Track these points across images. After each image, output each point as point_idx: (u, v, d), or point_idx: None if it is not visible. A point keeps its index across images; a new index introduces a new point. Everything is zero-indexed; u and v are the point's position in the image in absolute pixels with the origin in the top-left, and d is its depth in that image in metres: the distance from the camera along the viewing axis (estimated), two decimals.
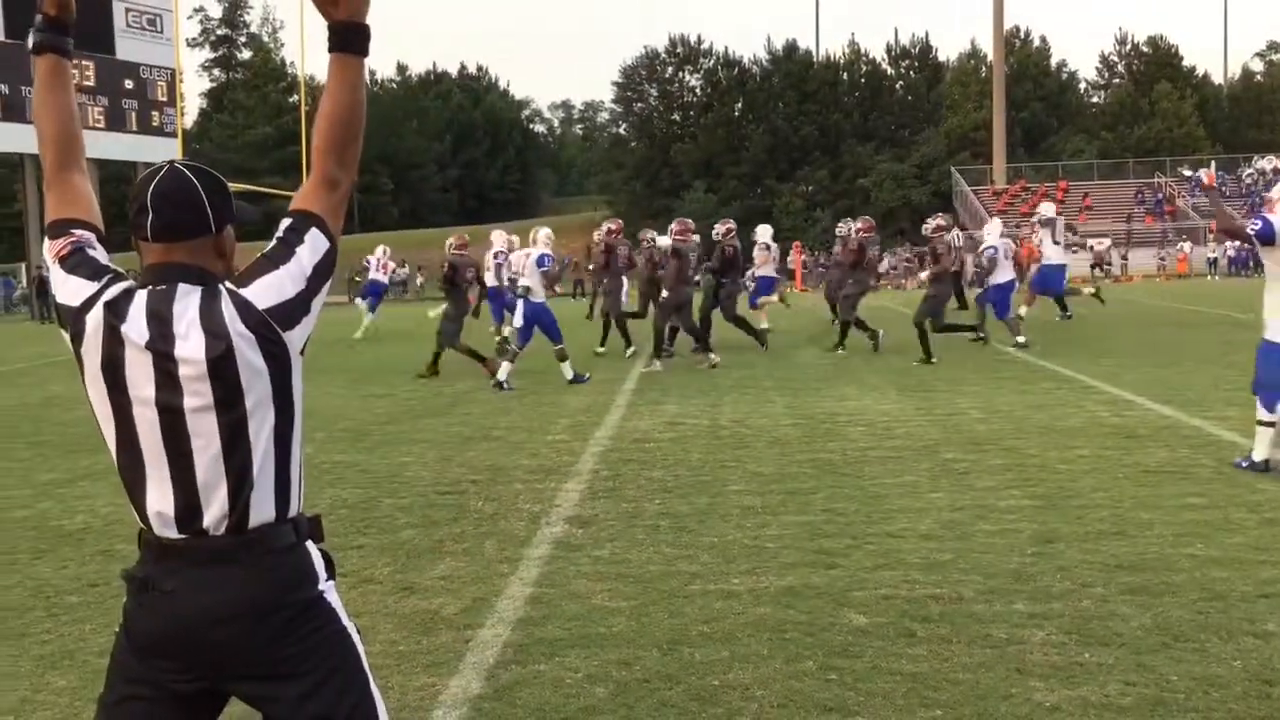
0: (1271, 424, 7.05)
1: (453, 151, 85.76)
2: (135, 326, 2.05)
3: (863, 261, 16.10)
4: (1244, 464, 7.14)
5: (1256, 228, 6.95)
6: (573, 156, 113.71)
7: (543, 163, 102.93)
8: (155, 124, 40.81)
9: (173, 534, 2.09)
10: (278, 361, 2.08)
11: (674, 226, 14.60)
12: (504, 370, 12.38)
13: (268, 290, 2.08)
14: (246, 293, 2.08)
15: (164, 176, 2.13)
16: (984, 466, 7.40)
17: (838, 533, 5.83)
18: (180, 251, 2.12)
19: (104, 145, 39.71)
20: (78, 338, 2.10)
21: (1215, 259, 45.88)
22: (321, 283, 2.17)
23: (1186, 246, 46.81)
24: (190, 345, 2.03)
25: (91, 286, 2.12)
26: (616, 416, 10.08)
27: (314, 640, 2.13)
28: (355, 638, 2.21)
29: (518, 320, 12.68)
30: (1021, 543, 5.54)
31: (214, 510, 2.07)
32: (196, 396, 2.04)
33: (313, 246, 2.18)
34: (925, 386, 11.43)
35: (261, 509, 2.10)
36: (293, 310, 2.10)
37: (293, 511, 2.15)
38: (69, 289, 2.14)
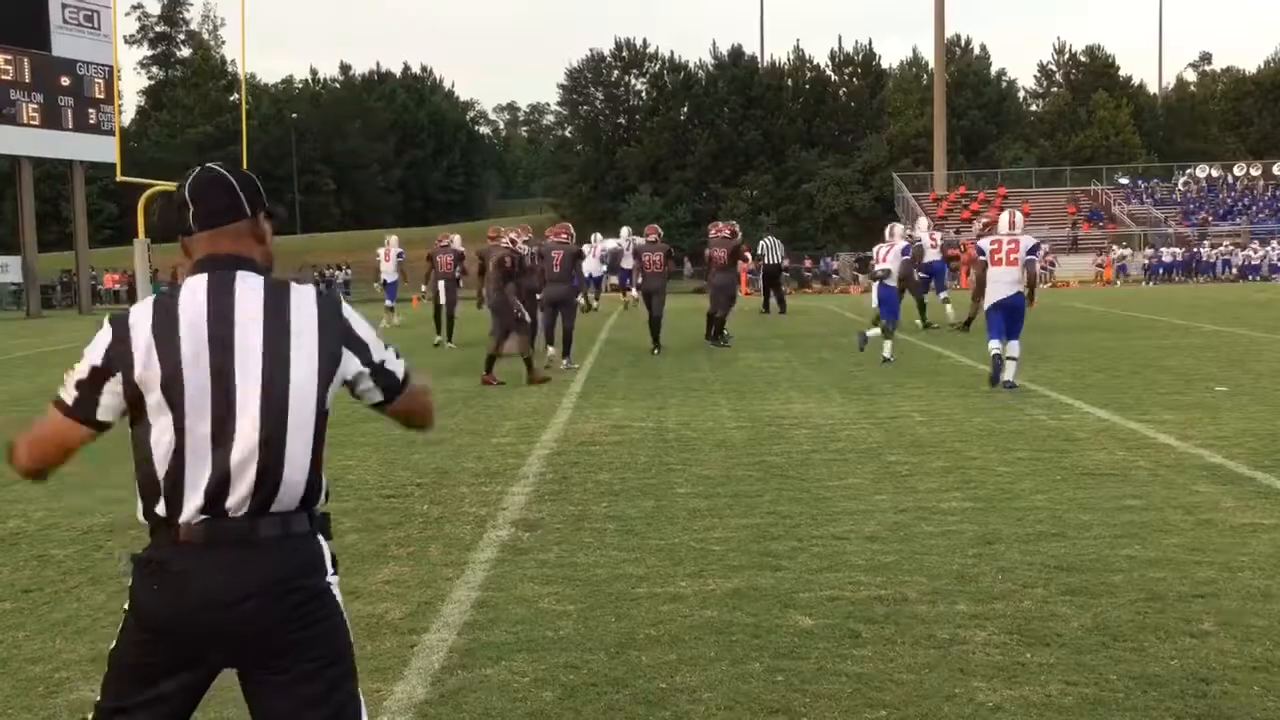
0: None
1: (396, 152, 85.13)
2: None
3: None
4: None
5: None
6: (518, 159, 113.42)
7: (488, 165, 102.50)
8: (92, 122, 40.03)
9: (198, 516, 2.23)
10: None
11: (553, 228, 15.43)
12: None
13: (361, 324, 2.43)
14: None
15: (197, 174, 2.36)
16: (926, 469, 7.48)
17: (783, 535, 5.86)
18: (226, 240, 2.32)
19: (40, 143, 38.92)
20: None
21: (1149, 265, 46.75)
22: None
23: (1127, 253, 47.62)
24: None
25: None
26: (563, 419, 10.05)
27: (319, 629, 2.28)
28: (350, 635, 2.38)
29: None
30: (964, 544, 5.60)
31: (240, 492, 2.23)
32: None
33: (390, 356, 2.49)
34: (868, 390, 11.53)
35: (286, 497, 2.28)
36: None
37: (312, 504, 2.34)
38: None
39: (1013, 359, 11.28)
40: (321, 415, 2.32)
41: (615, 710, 3.73)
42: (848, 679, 3.93)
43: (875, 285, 14.87)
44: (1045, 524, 5.95)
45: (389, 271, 23.63)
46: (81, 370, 2.27)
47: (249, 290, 2.28)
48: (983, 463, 7.64)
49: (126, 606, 2.32)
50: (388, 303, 23.98)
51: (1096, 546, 5.51)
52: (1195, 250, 47.70)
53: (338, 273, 53.56)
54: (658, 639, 4.37)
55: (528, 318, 13.63)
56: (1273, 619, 4.44)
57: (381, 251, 23.88)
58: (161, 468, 2.23)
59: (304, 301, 2.32)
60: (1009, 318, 11.24)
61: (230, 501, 2.21)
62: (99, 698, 2.36)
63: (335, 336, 2.33)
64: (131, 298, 39.34)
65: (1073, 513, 6.19)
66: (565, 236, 14.85)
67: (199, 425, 2.21)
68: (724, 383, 12.52)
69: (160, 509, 2.24)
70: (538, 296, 14.44)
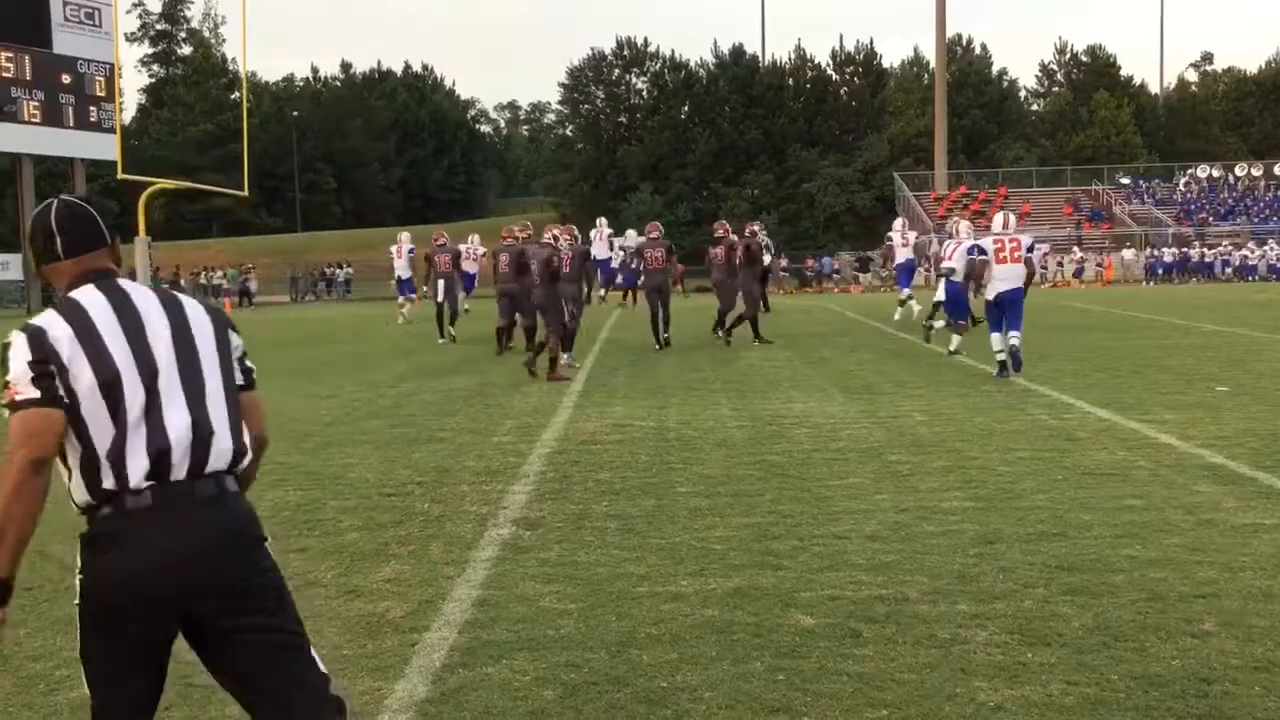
0: None
1: (397, 151, 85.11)
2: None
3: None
4: None
5: None
6: (519, 158, 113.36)
7: (489, 163, 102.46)
8: (93, 119, 40.04)
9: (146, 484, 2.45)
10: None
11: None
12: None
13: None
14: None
15: (59, 207, 2.64)
16: (927, 469, 7.48)
17: (784, 534, 5.86)
18: (94, 262, 2.62)
19: (41, 141, 38.93)
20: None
21: (1149, 265, 46.74)
22: None
23: (1129, 254, 47.59)
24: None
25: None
26: (563, 418, 10.05)
27: (268, 577, 2.59)
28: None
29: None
30: (964, 544, 5.60)
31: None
32: None
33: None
34: (869, 390, 11.53)
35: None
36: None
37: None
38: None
39: (1015, 343, 12.15)
40: (232, 386, 2.62)
41: (616, 709, 3.73)
42: (849, 678, 3.93)
43: (942, 282, 15.93)
44: (1046, 524, 5.95)
45: (402, 268, 24.04)
46: (19, 374, 2.43)
47: (140, 291, 2.60)
48: (984, 462, 7.64)
49: (78, 601, 2.50)
50: (400, 298, 24.42)
51: (1097, 546, 5.51)
52: (1185, 251, 47.68)
53: (339, 271, 53.54)
54: (659, 638, 4.37)
55: (570, 317, 14.04)
56: (1274, 619, 4.44)
57: (394, 249, 24.26)
58: (103, 447, 2.43)
59: (188, 300, 2.68)
60: (1009, 310, 12.12)
61: (171, 468, 2.45)
62: (92, 697, 2.54)
63: (222, 322, 2.68)
64: None
65: (1074, 512, 6.18)
66: (569, 238, 15.24)
67: (133, 403, 2.44)
68: (725, 382, 12.52)
69: (109, 484, 2.43)
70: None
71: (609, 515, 6.36)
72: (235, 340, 2.70)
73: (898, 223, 22.96)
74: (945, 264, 15.21)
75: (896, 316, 20.88)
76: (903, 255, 21.53)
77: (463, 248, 23.54)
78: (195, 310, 2.64)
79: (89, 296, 2.53)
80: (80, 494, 2.47)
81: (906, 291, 21.42)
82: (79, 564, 2.49)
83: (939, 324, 16.45)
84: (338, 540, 5.95)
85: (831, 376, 12.79)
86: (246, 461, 2.62)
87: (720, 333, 17.32)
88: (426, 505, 6.73)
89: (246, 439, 2.62)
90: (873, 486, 6.97)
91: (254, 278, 48.91)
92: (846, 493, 6.81)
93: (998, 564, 5.24)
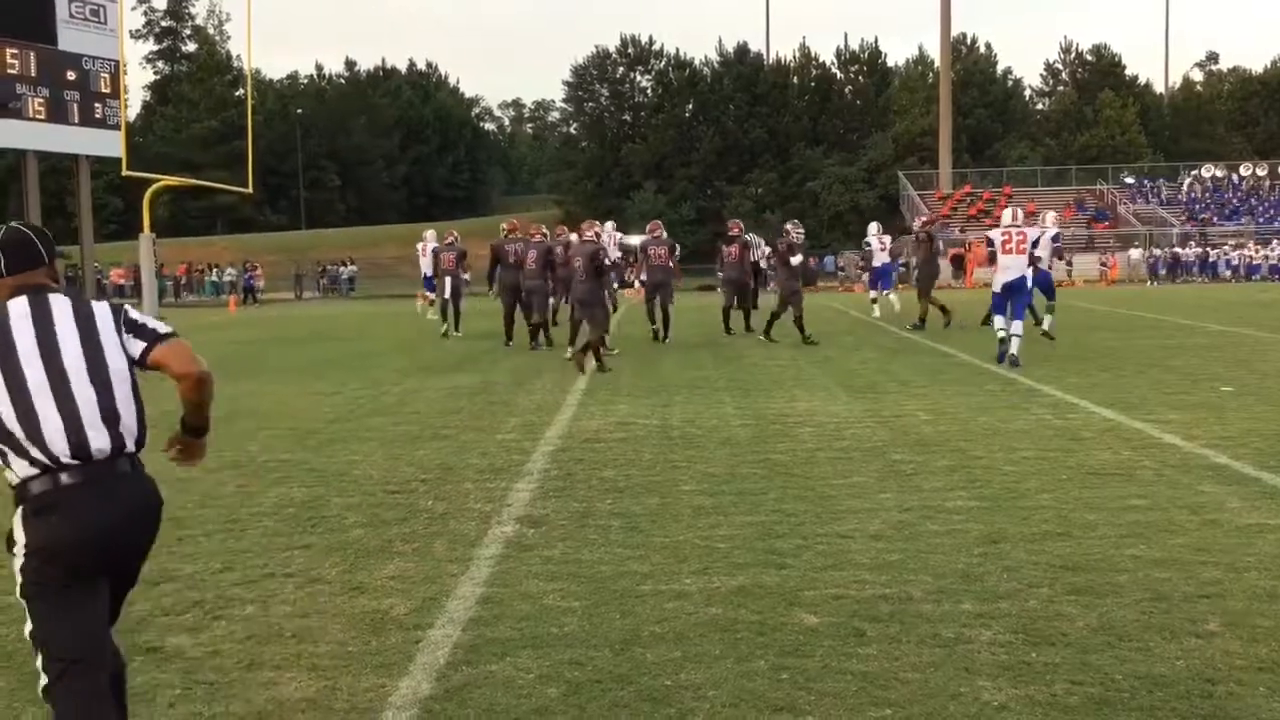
0: None
1: (401, 148, 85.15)
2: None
3: (934, 250, 19.46)
4: None
5: None
6: (523, 155, 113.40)
7: (493, 161, 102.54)
8: (98, 116, 40.02)
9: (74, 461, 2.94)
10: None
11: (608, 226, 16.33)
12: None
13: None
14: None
15: (6, 232, 3.12)
16: (931, 468, 7.47)
17: (788, 533, 5.86)
18: (33, 278, 3.10)
19: (46, 137, 38.93)
20: None
21: (1154, 264, 46.67)
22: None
23: (1136, 254, 47.53)
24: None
25: None
26: (567, 416, 10.05)
27: (155, 536, 3.15)
28: None
29: None
30: (969, 543, 5.60)
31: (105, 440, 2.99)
32: None
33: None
34: (873, 389, 11.52)
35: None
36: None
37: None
38: None
39: (1017, 336, 13.16)
40: (134, 380, 3.09)
41: (620, 707, 3.73)
42: (852, 677, 3.93)
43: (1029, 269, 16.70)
44: (1050, 523, 5.94)
45: (427, 265, 24.22)
46: None
47: (59, 301, 3.07)
48: (988, 462, 7.63)
49: (20, 580, 2.96)
50: (427, 294, 24.76)
51: (1102, 546, 5.50)
52: (1188, 251, 47.62)
53: (343, 269, 53.57)
54: (662, 636, 4.37)
55: (613, 310, 14.30)
56: (1278, 619, 4.43)
57: (420, 246, 24.66)
58: (24, 430, 2.91)
59: (97, 305, 3.14)
60: (1013, 298, 13.29)
61: (93, 449, 2.93)
62: (45, 668, 3.01)
63: (121, 323, 3.11)
64: (137, 292, 39.39)
65: (1078, 512, 6.18)
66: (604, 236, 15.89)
67: (43, 396, 2.92)
68: (729, 380, 12.51)
69: (42, 458, 2.90)
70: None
71: (613, 513, 6.36)
72: (136, 315, 3.14)
73: (873, 227, 24.11)
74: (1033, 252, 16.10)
75: (876, 313, 22.30)
76: (879, 259, 22.95)
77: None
78: (101, 312, 3.10)
79: (12, 306, 3.03)
80: (10, 475, 2.97)
81: (873, 295, 23.38)
82: (18, 529, 2.94)
83: (1049, 319, 16.69)
84: (342, 537, 5.96)
85: (835, 375, 12.79)
86: (145, 445, 3.09)
87: (764, 333, 17.26)
88: (430, 502, 6.74)
89: (145, 424, 3.10)
90: (877, 485, 6.97)
91: (259, 276, 48.93)
92: (850, 492, 6.81)
93: (1002, 563, 5.24)
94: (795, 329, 16.73)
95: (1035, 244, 13.77)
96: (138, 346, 3.10)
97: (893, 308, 22.61)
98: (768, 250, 30.82)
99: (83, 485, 2.92)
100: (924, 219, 20.91)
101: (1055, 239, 16.83)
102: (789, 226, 17.87)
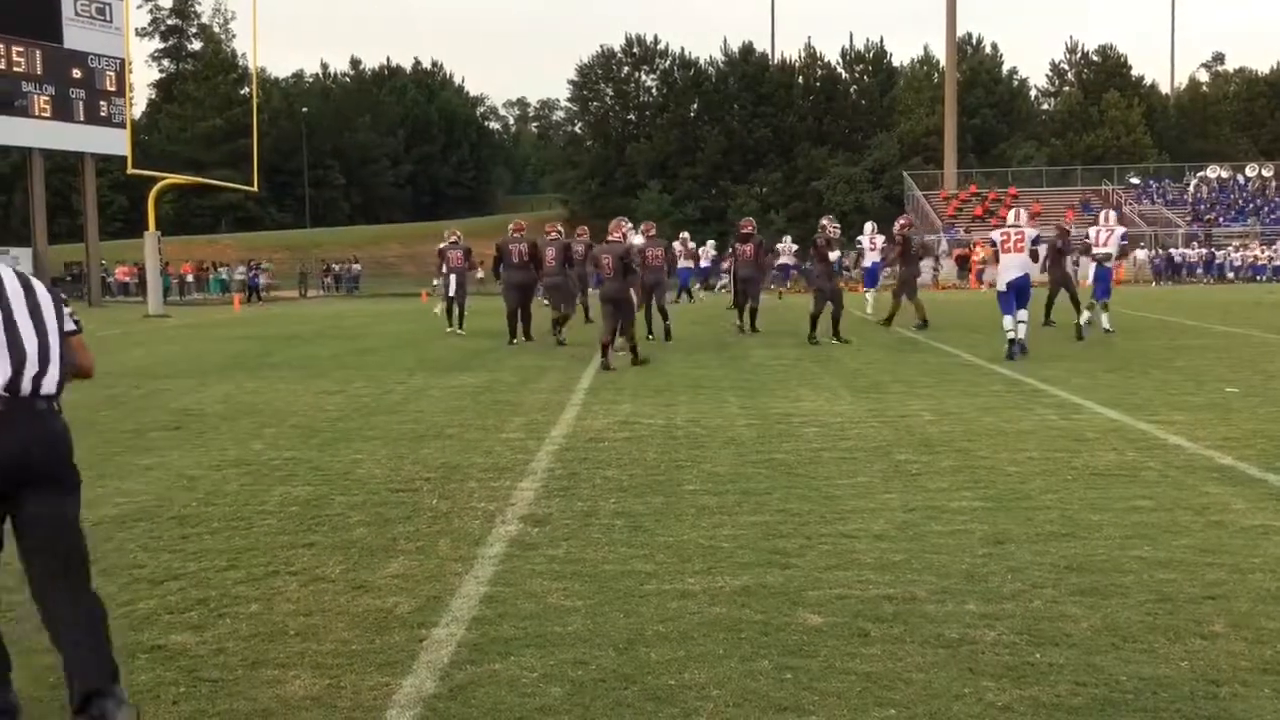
0: None
1: (406, 147, 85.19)
2: None
3: (909, 252, 19.55)
4: None
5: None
6: (528, 154, 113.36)
7: (497, 160, 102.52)
8: (103, 114, 40.11)
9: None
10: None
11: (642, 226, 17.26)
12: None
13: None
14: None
15: None
16: (936, 468, 7.46)
17: (792, 533, 5.85)
18: None
19: (51, 135, 39.00)
20: None
21: (1157, 265, 46.60)
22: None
23: (1141, 255, 47.45)
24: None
25: None
26: (571, 415, 10.05)
27: (75, 476, 3.62)
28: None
29: None
30: (973, 543, 5.59)
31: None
32: None
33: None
34: (878, 389, 11.51)
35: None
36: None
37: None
38: None
39: (1023, 323, 13.92)
40: (65, 341, 3.61)
41: (623, 706, 3.73)
42: (856, 677, 3.92)
43: (1093, 266, 17.39)
44: (1055, 524, 5.94)
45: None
46: None
47: (6, 271, 3.60)
48: (992, 462, 7.62)
49: None
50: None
51: (1106, 547, 5.49)
52: (1192, 251, 47.51)
53: (350, 267, 53.61)
54: (666, 635, 4.37)
55: (637, 308, 14.67)
56: None
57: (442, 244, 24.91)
58: None
59: (36, 281, 3.66)
60: (1018, 295, 13.89)
61: (20, 388, 3.44)
62: None
63: (59, 296, 3.71)
64: (142, 290, 39.44)
65: (1083, 513, 6.17)
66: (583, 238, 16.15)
67: None
68: (733, 380, 12.51)
69: None
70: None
71: (617, 512, 6.36)
72: (67, 310, 3.71)
73: (869, 227, 25.16)
74: (1098, 250, 16.88)
75: (869, 310, 23.22)
76: (870, 259, 24.23)
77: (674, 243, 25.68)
78: (39, 286, 3.64)
79: None
80: None
81: (870, 294, 24.41)
82: None
83: (1086, 315, 17.02)
84: (345, 536, 5.96)
85: (840, 375, 12.78)
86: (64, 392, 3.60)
87: (834, 336, 17.19)
88: (434, 501, 6.74)
89: (67, 376, 3.63)
90: (881, 485, 6.96)
91: (264, 276, 48.92)
92: (855, 491, 6.80)
93: (1006, 564, 5.23)
94: (832, 325, 16.99)
95: (1035, 242, 14.31)
96: (70, 324, 3.71)
97: (865, 305, 23.73)
98: (795, 248, 31.72)
99: (5, 415, 3.41)
100: (902, 221, 21.07)
101: (1123, 238, 17.42)
102: (825, 222, 17.79)
